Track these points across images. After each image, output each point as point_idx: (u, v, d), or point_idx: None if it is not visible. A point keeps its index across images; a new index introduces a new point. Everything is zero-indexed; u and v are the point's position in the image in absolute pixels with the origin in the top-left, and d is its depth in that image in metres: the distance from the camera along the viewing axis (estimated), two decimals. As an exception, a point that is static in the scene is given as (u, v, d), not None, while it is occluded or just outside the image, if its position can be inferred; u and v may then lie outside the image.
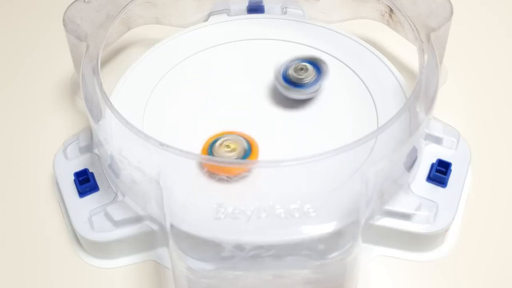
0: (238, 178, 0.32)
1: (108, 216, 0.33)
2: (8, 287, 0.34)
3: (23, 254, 0.35)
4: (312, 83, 0.37)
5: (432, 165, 0.35)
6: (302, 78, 0.37)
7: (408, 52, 0.41)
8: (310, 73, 0.37)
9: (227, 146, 0.33)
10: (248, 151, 0.33)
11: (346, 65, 0.40)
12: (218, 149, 0.33)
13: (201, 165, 0.33)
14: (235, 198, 0.31)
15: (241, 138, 0.34)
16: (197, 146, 0.35)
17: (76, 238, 0.35)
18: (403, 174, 0.34)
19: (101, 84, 0.34)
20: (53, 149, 0.37)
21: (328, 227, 0.30)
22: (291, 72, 0.37)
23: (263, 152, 0.35)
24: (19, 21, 0.49)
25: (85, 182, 0.35)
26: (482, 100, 0.42)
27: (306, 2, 0.43)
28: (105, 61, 0.43)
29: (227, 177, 0.32)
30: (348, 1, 0.42)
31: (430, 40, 0.35)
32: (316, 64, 0.37)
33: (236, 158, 0.33)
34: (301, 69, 0.37)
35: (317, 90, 0.37)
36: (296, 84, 0.37)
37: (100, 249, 0.34)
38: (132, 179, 0.33)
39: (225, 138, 0.34)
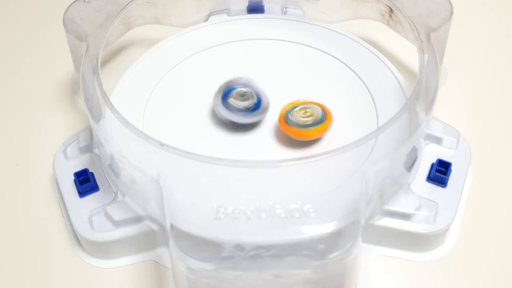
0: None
1: (108, 216, 0.33)
2: (8, 287, 0.34)
3: (23, 254, 0.35)
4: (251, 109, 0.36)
5: (432, 165, 0.35)
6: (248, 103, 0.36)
7: (408, 52, 0.41)
8: (250, 97, 0.36)
9: (305, 111, 0.35)
10: (323, 118, 0.35)
11: (346, 65, 0.40)
12: (297, 114, 0.35)
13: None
14: (235, 198, 0.31)
15: (317, 107, 0.35)
16: (197, 146, 0.35)
17: (76, 238, 0.35)
18: (403, 174, 0.34)
19: (101, 84, 0.34)
20: (53, 149, 0.37)
21: (328, 227, 0.30)
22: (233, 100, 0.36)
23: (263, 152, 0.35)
24: (19, 21, 0.49)
25: (85, 182, 0.35)
26: (482, 100, 0.42)
27: (306, 2, 0.43)
28: (105, 61, 0.43)
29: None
30: (348, 1, 0.42)
31: (430, 40, 0.35)
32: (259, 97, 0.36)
33: (312, 123, 0.35)
34: (242, 95, 0.36)
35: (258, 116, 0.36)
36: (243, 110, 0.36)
37: (100, 249, 0.34)
38: (132, 179, 0.33)
39: (303, 106, 0.35)
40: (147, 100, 0.38)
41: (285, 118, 0.35)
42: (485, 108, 0.41)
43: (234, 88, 0.36)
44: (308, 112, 0.35)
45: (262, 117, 0.36)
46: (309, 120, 0.35)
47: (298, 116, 0.35)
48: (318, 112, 0.35)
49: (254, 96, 0.36)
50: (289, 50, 0.41)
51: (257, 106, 0.36)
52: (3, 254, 0.35)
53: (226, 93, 0.36)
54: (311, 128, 0.35)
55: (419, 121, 0.33)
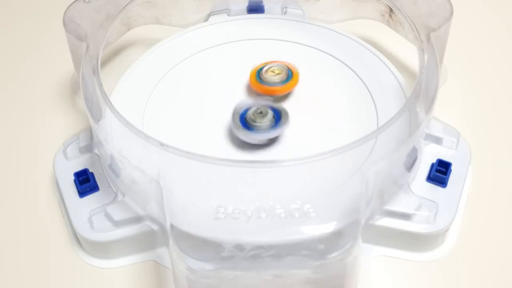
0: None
1: (108, 216, 0.33)
2: (8, 287, 0.34)
3: (23, 254, 0.35)
4: (268, 128, 0.35)
5: (432, 165, 0.35)
6: (259, 123, 0.35)
7: (408, 52, 0.41)
8: (268, 118, 0.35)
9: (273, 71, 0.38)
10: (290, 76, 0.38)
11: (346, 65, 0.40)
12: (265, 73, 0.38)
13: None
14: (235, 198, 0.31)
15: (284, 66, 0.38)
16: (197, 146, 0.35)
17: (76, 238, 0.35)
18: (403, 174, 0.34)
19: (101, 84, 0.34)
20: (53, 149, 0.37)
21: (328, 227, 0.30)
22: (249, 115, 0.35)
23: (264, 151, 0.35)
24: (19, 21, 0.49)
25: (85, 182, 0.35)
26: (482, 100, 0.42)
27: (306, 2, 0.43)
28: (105, 61, 0.43)
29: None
30: (348, 1, 0.42)
31: (430, 40, 0.35)
32: (277, 111, 0.36)
33: (280, 81, 0.38)
34: (260, 112, 0.35)
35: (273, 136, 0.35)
36: (251, 127, 0.35)
37: (100, 249, 0.34)
38: (132, 179, 0.33)
39: (271, 65, 0.38)
40: (147, 100, 0.38)
41: (256, 77, 0.38)
42: (485, 108, 0.41)
43: (248, 109, 0.36)
44: (276, 71, 0.38)
45: (284, 130, 0.36)
46: (277, 78, 0.38)
47: (267, 76, 0.38)
48: (285, 71, 0.38)
49: (270, 111, 0.35)
50: (289, 50, 0.41)
51: (277, 119, 0.35)
52: (3, 254, 0.35)
53: (242, 115, 0.35)
54: (281, 86, 0.38)
55: (419, 121, 0.33)
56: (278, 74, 0.38)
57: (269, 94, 0.37)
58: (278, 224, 0.30)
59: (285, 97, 0.38)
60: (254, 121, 0.35)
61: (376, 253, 0.34)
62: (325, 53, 0.41)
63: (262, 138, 0.35)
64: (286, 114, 0.35)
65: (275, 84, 0.38)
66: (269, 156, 0.35)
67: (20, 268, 0.35)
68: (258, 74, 0.38)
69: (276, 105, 0.36)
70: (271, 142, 0.36)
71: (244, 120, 0.35)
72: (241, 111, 0.36)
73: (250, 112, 0.35)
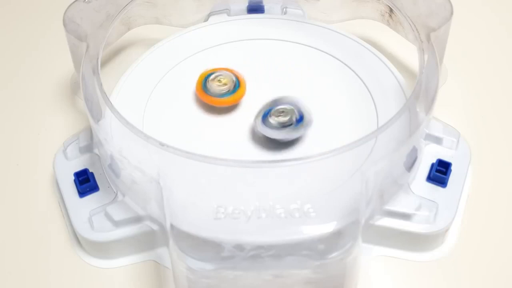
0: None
1: (108, 216, 0.33)
2: (8, 287, 0.34)
3: (23, 254, 0.35)
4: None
5: (432, 165, 0.35)
6: (288, 119, 0.35)
7: (408, 52, 0.41)
8: (291, 112, 0.35)
9: (219, 80, 0.37)
10: (237, 85, 0.37)
11: (346, 65, 0.40)
12: (212, 82, 0.37)
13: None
14: (235, 198, 0.31)
15: (231, 74, 0.37)
16: (197, 146, 0.35)
17: (76, 238, 0.35)
18: (403, 174, 0.34)
19: (101, 84, 0.34)
20: (53, 149, 0.37)
21: (328, 227, 0.30)
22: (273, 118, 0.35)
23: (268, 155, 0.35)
24: (19, 21, 0.49)
25: (85, 182, 0.35)
26: (482, 100, 0.42)
27: (306, 2, 0.43)
28: (105, 61, 0.43)
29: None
30: (348, 1, 0.42)
31: (430, 40, 0.35)
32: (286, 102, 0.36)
33: (227, 92, 0.37)
34: (282, 112, 0.35)
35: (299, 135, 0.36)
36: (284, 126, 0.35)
37: (100, 249, 0.34)
38: (132, 179, 0.33)
39: (218, 73, 0.37)
40: (147, 100, 0.38)
41: (202, 87, 0.37)
42: (485, 108, 0.41)
43: (274, 107, 0.35)
44: (222, 80, 0.37)
45: (303, 133, 0.35)
46: (224, 88, 0.37)
47: (214, 85, 0.37)
48: (232, 80, 0.37)
49: (296, 112, 0.35)
50: (289, 50, 0.41)
51: (299, 121, 0.35)
52: (3, 254, 0.35)
53: (267, 112, 0.35)
54: (227, 97, 0.37)
55: (419, 121, 0.33)
56: (225, 84, 0.37)
57: (213, 105, 0.37)
58: (278, 224, 0.30)
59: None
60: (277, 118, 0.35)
61: (376, 253, 0.34)
62: (325, 53, 0.41)
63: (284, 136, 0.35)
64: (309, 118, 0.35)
65: (220, 95, 0.37)
66: (268, 156, 0.35)
67: (20, 268, 0.35)
68: (205, 82, 0.37)
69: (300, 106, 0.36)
70: (271, 141, 0.36)
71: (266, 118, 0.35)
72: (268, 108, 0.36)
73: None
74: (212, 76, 0.37)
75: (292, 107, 0.35)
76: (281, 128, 0.35)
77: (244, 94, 0.37)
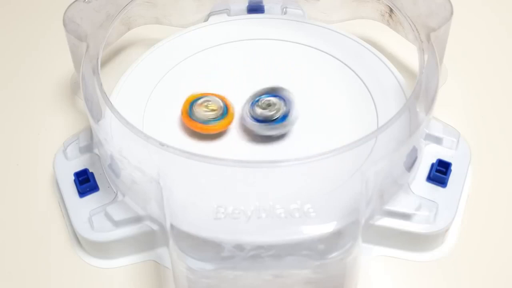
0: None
1: (108, 216, 0.33)
2: (8, 287, 0.34)
3: (23, 254, 0.35)
4: (282, 117, 0.35)
5: (432, 165, 0.35)
6: (272, 115, 0.35)
7: (408, 52, 0.41)
8: (278, 108, 0.35)
9: (206, 106, 0.36)
10: (225, 111, 0.36)
11: (346, 65, 0.40)
12: (199, 108, 0.36)
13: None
14: (235, 198, 0.31)
15: (218, 99, 0.36)
16: (197, 146, 0.35)
17: (76, 238, 0.35)
18: (403, 174, 0.34)
19: (101, 84, 0.34)
20: (53, 149, 0.37)
21: (328, 227, 0.30)
22: (258, 109, 0.35)
23: (264, 152, 0.35)
24: (19, 21, 0.49)
25: (85, 182, 0.35)
26: (482, 100, 0.42)
27: (306, 2, 0.43)
28: (105, 61, 0.43)
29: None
30: (348, 1, 0.42)
31: (430, 40, 0.35)
32: (281, 96, 0.36)
33: (214, 118, 0.36)
34: (269, 105, 0.35)
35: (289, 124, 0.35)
36: (265, 121, 0.35)
37: (100, 249, 0.34)
38: (132, 179, 0.33)
39: (205, 99, 0.36)
40: (147, 100, 0.38)
41: (188, 112, 0.36)
42: (485, 108, 0.41)
43: (264, 96, 0.36)
44: (210, 106, 0.36)
45: (284, 131, 0.35)
46: (211, 114, 0.36)
47: (200, 111, 0.36)
48: (220, 106, 0.36)
49: (283, 108, 0.35)
50: (289, 50, 0.41)
51: (282, 119, 0.35)
52: (3, 254, 0.35)
53: (256, 100, 0.35)
54: (215, 123, 0.36)
55: (419, 121, 0.33)
56: (213, 110, 0.36)
57: (200, 132, 0.36)
58: (278, 224, 0.30)
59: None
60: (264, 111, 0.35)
61: (376, 253, 0.34)
62: (325, 53, 0.41)
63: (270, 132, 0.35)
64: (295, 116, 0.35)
65: (207, 121, 0.36)
66: (268, 156, 0.35)
67: (20, 268, 0.35)
68: (191, 108, 0.36)
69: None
70: (271, 140, 0.36)
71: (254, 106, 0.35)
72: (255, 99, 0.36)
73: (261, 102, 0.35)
74: (200, 101, 0.36)
75: (281, 102, 0.35)
76: (262, 122, 0.35)
77: (232, 120, 0.36)
